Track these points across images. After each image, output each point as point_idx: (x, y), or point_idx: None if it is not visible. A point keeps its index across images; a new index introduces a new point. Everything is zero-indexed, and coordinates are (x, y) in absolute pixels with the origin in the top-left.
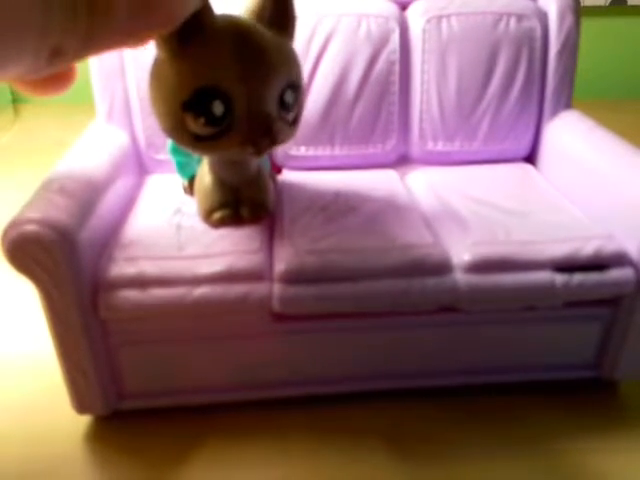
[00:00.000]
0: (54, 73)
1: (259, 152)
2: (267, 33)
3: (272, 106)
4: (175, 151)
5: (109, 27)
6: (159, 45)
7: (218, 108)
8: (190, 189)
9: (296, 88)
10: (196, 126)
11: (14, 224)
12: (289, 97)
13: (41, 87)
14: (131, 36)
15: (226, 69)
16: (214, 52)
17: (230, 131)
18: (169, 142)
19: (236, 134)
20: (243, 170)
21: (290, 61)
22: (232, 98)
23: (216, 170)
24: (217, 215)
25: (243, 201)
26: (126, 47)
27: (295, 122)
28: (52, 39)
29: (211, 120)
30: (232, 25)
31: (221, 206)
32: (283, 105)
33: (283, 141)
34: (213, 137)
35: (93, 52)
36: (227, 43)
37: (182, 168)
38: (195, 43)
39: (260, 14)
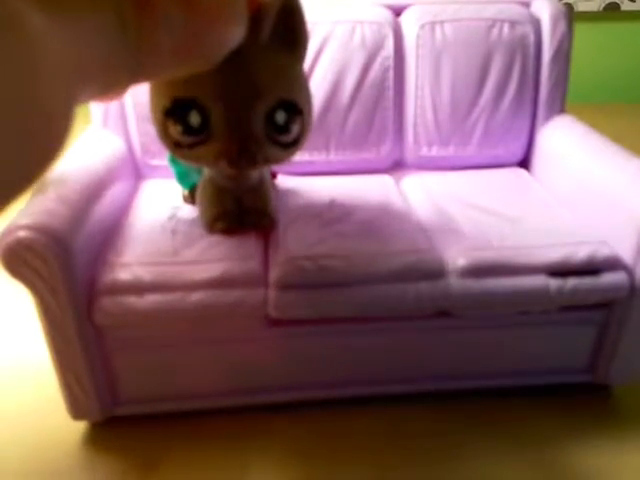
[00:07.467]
0: None
1: (235, 168)
2: (262, 52)
3: (255, 125)
4: (174, 161)
5: (155, 65)
6: None
7: (195, 119)
8: (191, 198)
9: (291, 109)
10: (175, 133)
11: (8, 231)
12: (280, 117)
13: None
14: (173, 70)
15: (205, 84)
16: None
17: (206, 143)
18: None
19: (211, 147)
20: (242, 180)
21: (283, 80)
22: (209, 112)
23: (216, 179)
24: (220, 224)
25: (246, 209)
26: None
27: (294, 144)
28: (115, 75)
29: (187, 129)
30: None
31: (224, 215)
32: (274, 125)
33: (270, 161)
34: (190, 146)
35: (138, 83)
36: None
37: (182, 178)
38: None
39: (261, 32)
